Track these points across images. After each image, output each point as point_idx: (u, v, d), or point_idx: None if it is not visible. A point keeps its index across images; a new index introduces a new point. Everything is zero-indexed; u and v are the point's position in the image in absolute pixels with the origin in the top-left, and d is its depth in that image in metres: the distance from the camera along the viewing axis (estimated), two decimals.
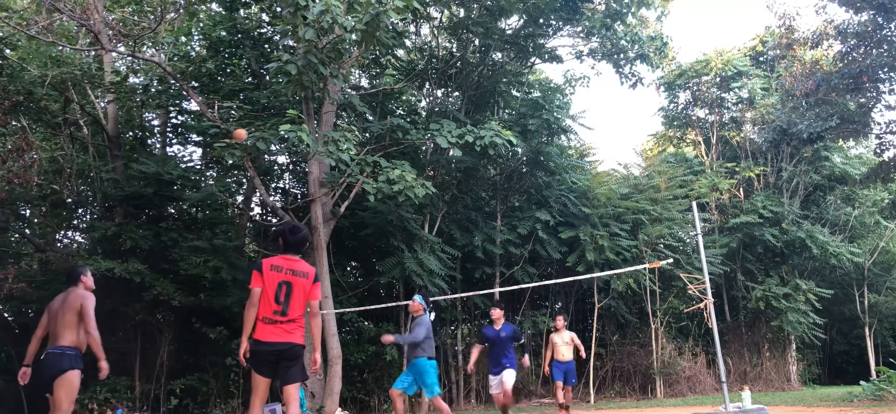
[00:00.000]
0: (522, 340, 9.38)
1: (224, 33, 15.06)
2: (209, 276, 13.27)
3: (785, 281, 19.40)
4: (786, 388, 18.65)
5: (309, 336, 5.25)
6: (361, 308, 14.68)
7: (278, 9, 13.49)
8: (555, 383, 10.06)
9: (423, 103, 17.30)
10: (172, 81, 13.97)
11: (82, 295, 5.69)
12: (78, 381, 5.57)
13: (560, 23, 16.01)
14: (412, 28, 16.35)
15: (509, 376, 8.68)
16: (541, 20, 15.41)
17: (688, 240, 18.53)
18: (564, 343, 9.90)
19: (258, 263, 5.04)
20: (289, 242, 5.11)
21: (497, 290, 14.58)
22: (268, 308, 4.88)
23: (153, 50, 15.59)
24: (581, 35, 16.93)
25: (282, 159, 16.96)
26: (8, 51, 14.07)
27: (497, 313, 9.02)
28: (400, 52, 16.65)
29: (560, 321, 10.19)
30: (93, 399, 12.06)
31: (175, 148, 17.32)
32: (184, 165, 15.95)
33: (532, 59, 16.98)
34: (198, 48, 16.64)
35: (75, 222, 16.59)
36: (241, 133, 10.35)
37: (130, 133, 16.63)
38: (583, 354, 10.13)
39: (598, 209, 16.44)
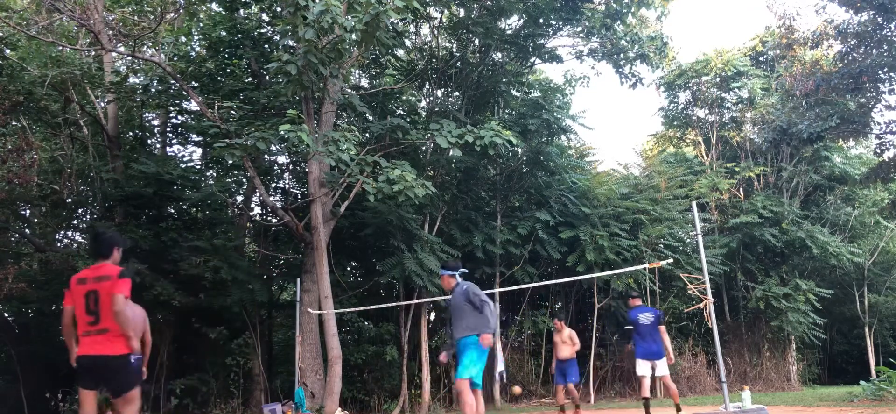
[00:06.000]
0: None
1: (224, 33, 15.06)
2: (209, 276, 13.28)
3: (785, 281, 19.39)
4: (786, 388, 18.64)
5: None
6: (361, 308, 14.68)
7: (278, 9, 13.49)
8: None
9: (423, 103, 17.31)
10: (172, 81, 13.98)
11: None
12: None
13: (560, 23, 16.00)
14: (412, 28, 16.35)
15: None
16: (541, 20, 15.41)
17: (688, 240, 18.52)
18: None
19: (69, 282, 4.96)
20: (92, 249, 5.08)
21: (497, 290, 14.58)
22: (83, 322, 4.78)
23: (153, 50, 15.60)
24: (581, 35, 16.93)
25: (282, 159, 16.98)
26: (8, 51, 14.08)
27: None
28: (400, 52, 16.64)
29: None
30: None
31: (175, 148, 17.37)
32: (184, 165, 15.96)
33: (532, 59, 16.97)
34: (198, 48, 16.65)
35: (75, 222, 16.61)
36: (517, 389, 11.51)
37: (130, 133, 16.65)
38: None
39: (598, 209, 16.44)
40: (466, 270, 6.71)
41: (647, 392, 8.92)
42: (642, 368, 8.89)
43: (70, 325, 4.89)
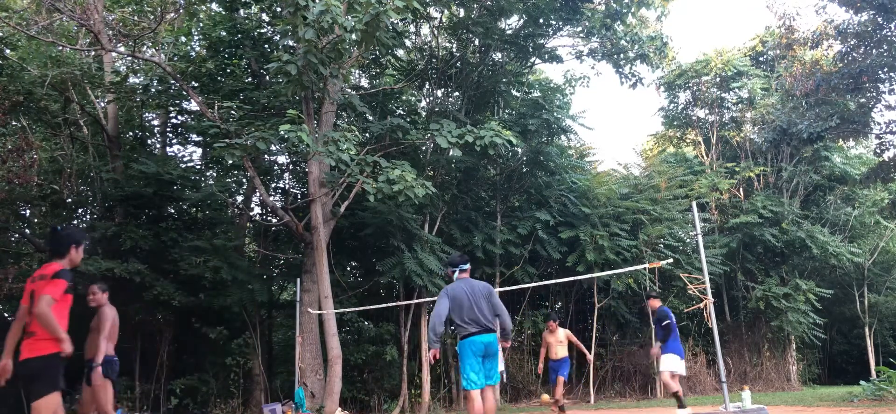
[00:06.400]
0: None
1: (224, 33, 15.06)
2: (209, 276, 13.28)
3: (785, 281, 19.39)
4: (786, 388, 18.64)
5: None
6: (361, 308, 14.68)
7: (278, 9, 13.49)
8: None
9: (423, 103, 17.31)
10: (172, 81, 13.97)
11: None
12: None
13: (560, 23, 16.00)
14: (412, 28, 16.35)
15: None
16: (541, 20, 15.41)
17: (688, 240, 18.52)
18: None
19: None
20: (49, 247, 4.79)
21: (497, 290, 14.54)
22: (29, 323, 4.50)
23: (153, 50, 15.60)
24: (581, 35, 16.93)
25: (282, 159, 16.98)
26: (8, 51, 14.08)
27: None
28: (400, 52, 16.64)
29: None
30: None
31: (175, 148, 17.37)
32: (184, 165, 15.97)
33: (532, 59, 16.97)
34: (198, 48, 16.64)
35: (75, 222, 16.59)
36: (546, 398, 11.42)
37: (130, 133, 16.65)
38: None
39: (598, 209, 16.44)
40: (464, 267, 6.31)
41: (678, 386, 8.83)
42: (677, 364, 8.81)
43: (18, 321, 4.59)
